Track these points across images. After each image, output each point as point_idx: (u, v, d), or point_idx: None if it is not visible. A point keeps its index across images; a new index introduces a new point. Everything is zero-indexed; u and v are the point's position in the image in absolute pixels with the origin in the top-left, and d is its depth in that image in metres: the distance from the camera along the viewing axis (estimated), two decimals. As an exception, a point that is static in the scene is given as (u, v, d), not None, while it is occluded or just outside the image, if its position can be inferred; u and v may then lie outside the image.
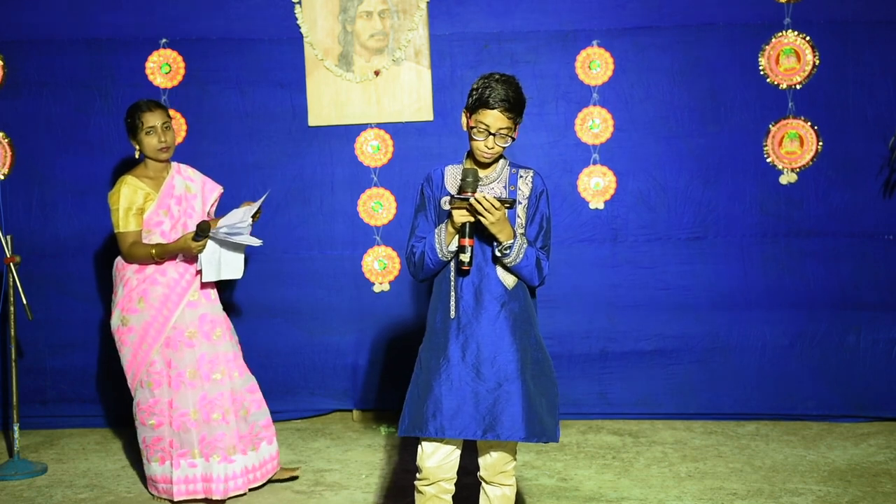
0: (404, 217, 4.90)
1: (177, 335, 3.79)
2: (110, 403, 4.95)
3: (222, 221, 3.78)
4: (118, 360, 4.89)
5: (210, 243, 3.72)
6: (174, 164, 3.96)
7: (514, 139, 2.85)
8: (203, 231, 3.64)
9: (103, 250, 4.89)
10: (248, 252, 3.85)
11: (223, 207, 4.09)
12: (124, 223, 3.80)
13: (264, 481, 3.95)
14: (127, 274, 3.85)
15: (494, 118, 2.79)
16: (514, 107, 2.80)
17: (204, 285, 3.85)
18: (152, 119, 3.81)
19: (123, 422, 4.93)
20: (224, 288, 4.06)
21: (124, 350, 3.86)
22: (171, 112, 4.57)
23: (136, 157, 3.91)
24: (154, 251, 3.74)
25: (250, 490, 3.92)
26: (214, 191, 4.03)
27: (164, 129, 3.83)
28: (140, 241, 3.79)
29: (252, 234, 3.88)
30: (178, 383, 3.79)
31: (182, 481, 3.80)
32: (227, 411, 3.84)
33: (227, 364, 3.88)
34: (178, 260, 3.80)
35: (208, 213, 4.01)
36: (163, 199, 3.84)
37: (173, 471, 3.80)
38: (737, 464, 4.18)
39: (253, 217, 3.91)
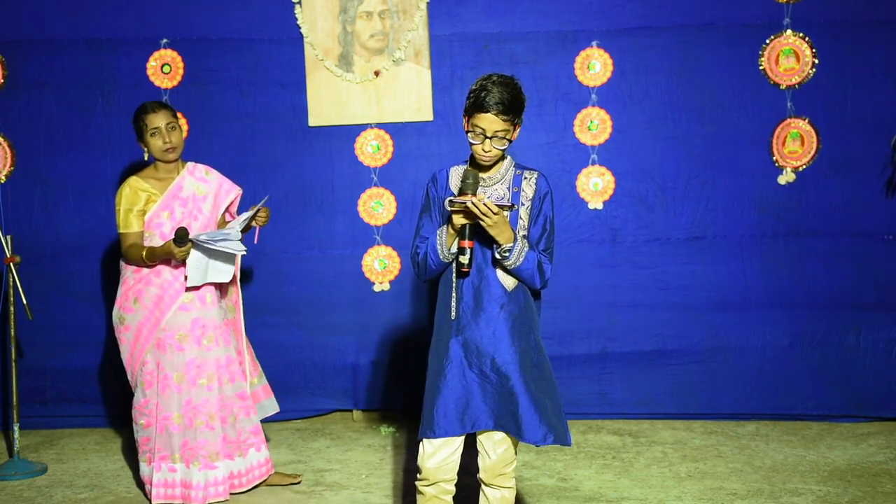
0: (404, 217, 4.90)
1: (167, 337, 3.78)
2: (110, 403, 4.96)
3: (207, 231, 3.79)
4: (118, 360, 4.92)
5: (195, 251, 3.70)
6: (189, 165, 3.93)
7: (510, 141, 2.84)
8: (181, 237, 3.62)
9: (104, 250, 4.89)
10: (248, 250, 3.83)
11: (242, 209, 4.06)
12: (124, 224, 3.80)
13: (249, 487, 3.93)
14: (126, 273, 3.87)
15: (490, 121, 2.78)
16: (510, 109, 2.78)
17: (200, 289, 3.82)
18: (156, 120, 3.80)
19: (123, 422, 4.94)
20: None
21: (122, 348, 3.87)
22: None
23: (146, 158, 3.90)
24: (144, 253, 3.73)
25: (232, 494, 3.90)
26: (231, 192, 3.99)
27: (168, 130, 3.81)
28: (140, 242, 3.79)
29: (256, 235, 3.90)
30: (164, 386, 3.78)
31: (161, 485, 3.80)
32: (212, 417, 3.82)
33: (218, 370, 3.85)
34: (172, 264, 3.79)
35: (226, 215, 4.00)
36: (167, 200, 3.82)
37: (154, 473, 3.80)
38: (737, 464, 4.19)
39: (257, 221, 3.92)
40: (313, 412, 5.03)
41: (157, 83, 4.85)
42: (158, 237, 3.79)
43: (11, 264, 4.27)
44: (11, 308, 4.34)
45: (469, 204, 2.72)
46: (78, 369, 4.94)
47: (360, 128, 4.91)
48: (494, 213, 2.73)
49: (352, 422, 5.01)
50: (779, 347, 4.83)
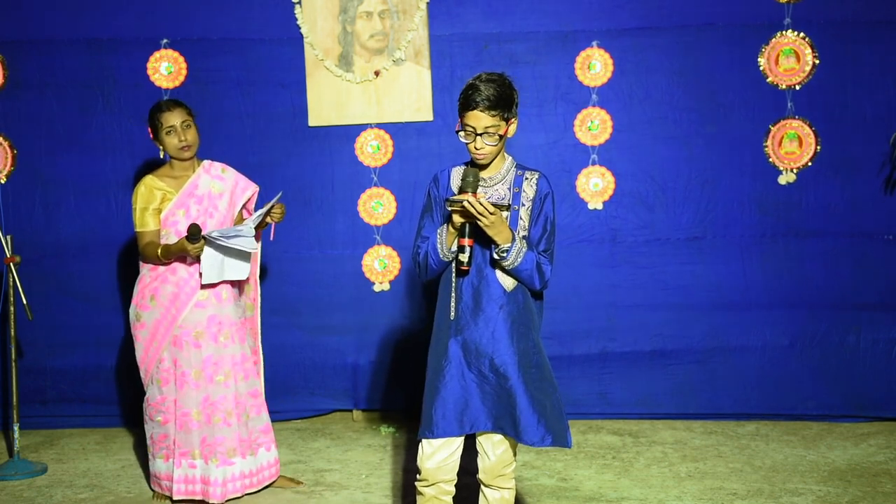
0: (404, 217, 4.91)
1: (184, 334, 3.79)
2: (110, 403, 4.96)
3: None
4: (118, 360, 4.93)
5: (209, 248, 3.71)
6: (204, 163, 3.94)
7: (501, 137, 2.84)
8: (193, 233, 3.63)
9: (104, 251, 4.90)
10: (264, 247, 3.84)
11: (259, 206, 4.06)
12: (140, 222, 3.81)
13: (260, 487, 3.94)
14: (143, 271, 3.88)
15: (478, 118, 2.80)
16: (497, 104, 2.79)
17: (216, 286, 3.83)
18: (171, 118, 3.80)
19: (123, 422, 4.95)
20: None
21: (137, 345, 3.88)
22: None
23: (161, 157, 3.91)
24: (159, 251, 3.74)
25: (246, 495, 3.91)
26: (247, 190, 4.00)
27: (184, 128, 3.81)
28: (156, 240, 3.80)
29: (272, 231, 3.94)
30: (182, 383, 3.80)
31: (182, 480, 3.81)
32: (229, 414, 3.83)
33: (234, 367, 3.87)
34: (188, 261, 3.80)
35: (243, 212, 4.00)
36: (182, 198, 3.83)
37: (174, 469, 3.81)
38: (737, 464, 4.19)
39: (273, 218, 3.92)
40: (313, 412, 5.03)
41: (157, 83, 4.85)
42: (174, 235, 3.79)
43: (11, 264, 4.27)
44: (11, 308, 4.34)
45: (466, 203, 2.73)
46: (78, 369, 4.94)
47: (360, 128, 4.91)
48: (491, 213, 2.73)
49: (352, 422, 5.01)
50: (779, 347, 4.83)
